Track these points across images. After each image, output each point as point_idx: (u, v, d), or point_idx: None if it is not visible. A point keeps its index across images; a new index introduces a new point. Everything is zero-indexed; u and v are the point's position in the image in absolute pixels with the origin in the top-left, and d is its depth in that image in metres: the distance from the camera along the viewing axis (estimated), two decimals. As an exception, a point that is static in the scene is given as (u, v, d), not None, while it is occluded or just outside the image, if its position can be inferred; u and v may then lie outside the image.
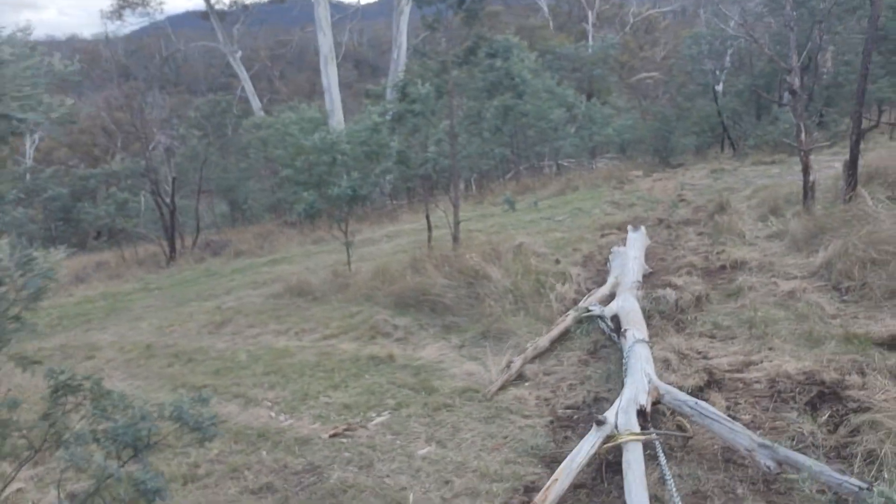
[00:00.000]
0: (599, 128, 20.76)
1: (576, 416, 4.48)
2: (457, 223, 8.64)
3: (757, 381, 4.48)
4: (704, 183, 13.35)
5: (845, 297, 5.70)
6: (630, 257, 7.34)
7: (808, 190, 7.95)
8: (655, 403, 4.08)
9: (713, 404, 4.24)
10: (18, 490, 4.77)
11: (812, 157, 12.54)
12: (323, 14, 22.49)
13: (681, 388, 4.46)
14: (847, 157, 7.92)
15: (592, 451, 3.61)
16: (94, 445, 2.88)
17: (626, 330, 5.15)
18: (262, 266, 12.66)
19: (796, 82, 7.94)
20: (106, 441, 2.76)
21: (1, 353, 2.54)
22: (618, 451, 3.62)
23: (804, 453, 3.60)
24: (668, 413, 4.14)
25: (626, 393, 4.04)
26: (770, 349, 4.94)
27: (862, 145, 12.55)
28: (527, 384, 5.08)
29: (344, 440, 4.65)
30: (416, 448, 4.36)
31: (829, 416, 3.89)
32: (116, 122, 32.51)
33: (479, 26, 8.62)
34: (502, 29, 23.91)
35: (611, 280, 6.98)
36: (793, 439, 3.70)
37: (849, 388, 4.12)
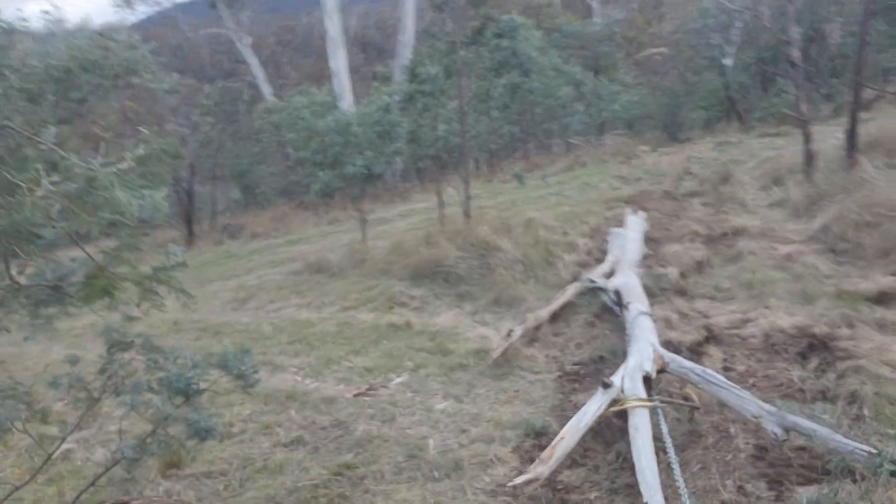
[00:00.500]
0: (607, 104, 20.90)
1: (582, 372, 4.80)
2: (468, 199, 8.93)
3: (752, 336, 4.78)
4: (710, 156, 13.54)
5: (840, 259, 5.96)
6: (630, 239, 7.51)
7: (808, 158, 8.17)
8: (660, 371, 4.12)
9: (711, 357, 4.56)
10: (68, 450, 5.17)
11: (817, 127, 12.73)
12: (330, -2, 22.66)
13: (680, 344, 4.78)
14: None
15: (599, 412, 3.71)
16: (149, 394, 3.23)
17: (629, 303, 5.30)
18: (280, 247, 13.02)
19: (795, 54, 8.13)
20: (160, 389, 3.10)
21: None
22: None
23: (792, 399, 3.92)
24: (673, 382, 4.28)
25: (632, 360, 4.12)
26: (766, 307, 5.23)
27: (867, 115, 12.72)
28: (536, 344, 5.40)
29: (367, 399, 4.99)
30: (435, 403, 4.71)
31: (818, 364, 4.19)
32: (128, 111, 32.82)
33: (485, 7, 8.84)
34: (508, 9, 23.98)
35: (609, 259, 7.12)
36: (781, 385, 4.01)
37: (838, 339, 4.41)
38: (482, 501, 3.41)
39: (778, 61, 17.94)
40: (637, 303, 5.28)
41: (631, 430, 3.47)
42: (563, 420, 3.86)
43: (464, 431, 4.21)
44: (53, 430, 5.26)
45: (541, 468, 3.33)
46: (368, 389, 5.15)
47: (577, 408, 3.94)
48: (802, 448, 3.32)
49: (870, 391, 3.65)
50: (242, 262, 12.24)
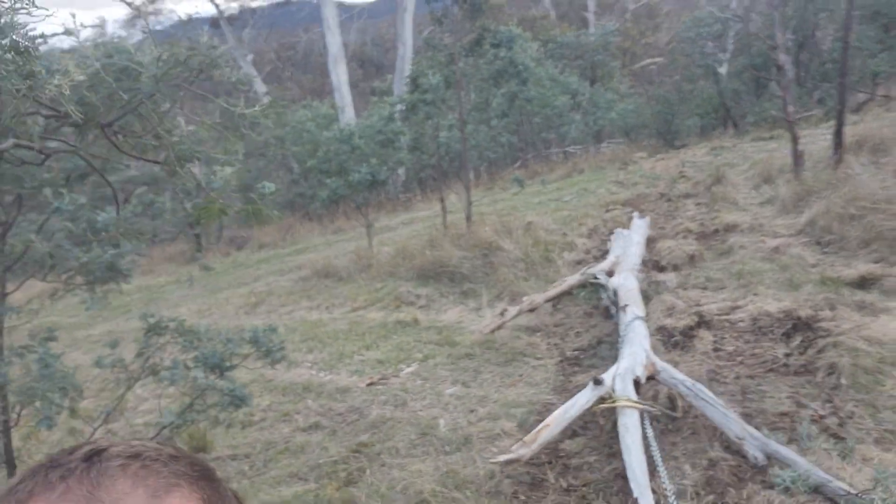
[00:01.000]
0: (604, 113, 21.29)
1: (582, 356, 5.10)
2: (469, 203, 9.26)
3: (741, 320, 5.09)
4: (705, 160, 13.87)
5: (826, 250, 6.28)
6: (633, 241, 7.74)
7: (796, 157, 8.50)
8: (650, 378, 4.11)
9: (702, 339, 4.87)
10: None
11: (809, 130, 13.08)
12: (330, 13, 23.10)
13: (674, 329, 5.09)
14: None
15: (586, 407, 3.80)
16: (186, 372, 3.54)
17: (626, 305, 5.34)
18: (287, 256, 13.34)
19: (782, 58, 8.48)
20: (196, 366, 3.41)
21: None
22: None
23: (775, 372, 4.22)
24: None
25: (624, 362, 4.14)
26: (755, 294, 5.53)
27: (857, 117, 13.07)
28: (538, 334, 5.71)
29: (379, 387, 5.30)
30: (444, 388, 5.01)
31: (801, 342, 4.49)
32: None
33: (483, 19, 9.22)
34: (505, 20, 24.45)
35: (611, 258, 7.36)
36: (767, 361, 4.31)
37: (820, 320, 4.71)
38: (490, 468, 3.70)
39: (769, 67, 18.37)
40: (634, 307, 5.30)
41: (621, 430, 3.53)
42: (566, 397, 4.16)
43: (472, 411, 4.51)
44: (81, 424, 5.58)
45: (523, 450, 3.48)
46: (381, 379, 5.45)
47: (578, 388, 4.22)
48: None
49: (847, 363, 3.95)
50: (251, 270, 12.55)
